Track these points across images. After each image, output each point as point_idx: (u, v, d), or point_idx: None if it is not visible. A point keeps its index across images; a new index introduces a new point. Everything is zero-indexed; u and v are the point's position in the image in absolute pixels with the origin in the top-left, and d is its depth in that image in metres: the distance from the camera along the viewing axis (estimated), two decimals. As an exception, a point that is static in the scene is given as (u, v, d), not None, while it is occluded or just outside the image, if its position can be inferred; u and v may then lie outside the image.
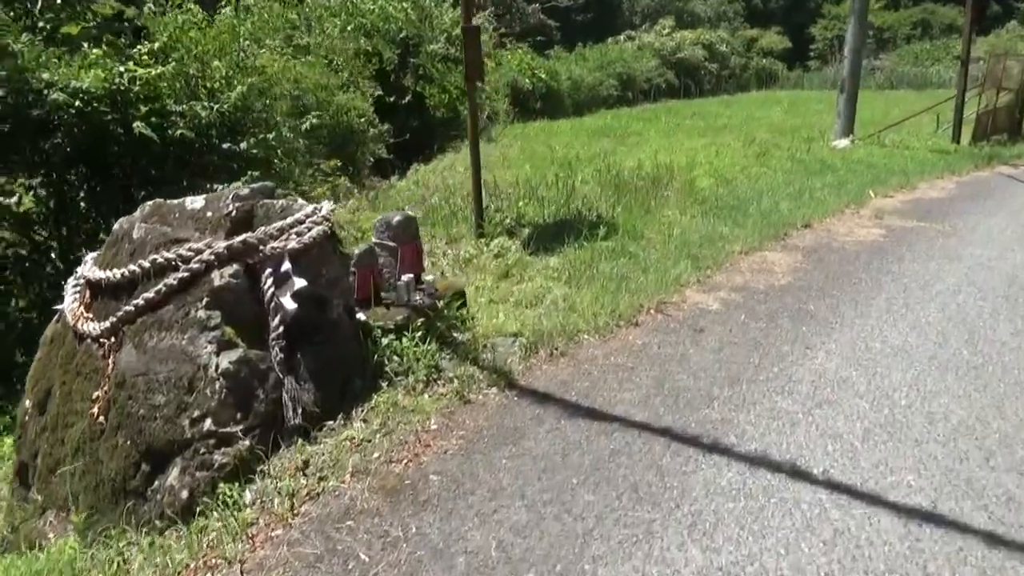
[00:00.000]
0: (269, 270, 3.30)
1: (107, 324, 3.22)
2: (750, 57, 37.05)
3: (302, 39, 11.28)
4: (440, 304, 4.38)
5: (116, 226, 3.57)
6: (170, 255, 3.19)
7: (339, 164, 9.55)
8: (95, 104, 6.10)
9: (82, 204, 6.60)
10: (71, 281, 3.64)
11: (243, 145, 6.97)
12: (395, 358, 3.88)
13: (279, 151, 7.45)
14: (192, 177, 6.69)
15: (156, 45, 6.75)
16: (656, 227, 7.10)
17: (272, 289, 3.28)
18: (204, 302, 3.12)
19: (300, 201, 3.67)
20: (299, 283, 3.33)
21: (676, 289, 5.43)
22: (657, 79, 29.21)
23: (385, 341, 3.89)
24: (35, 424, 3.54)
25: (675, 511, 2.81)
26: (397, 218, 4.55)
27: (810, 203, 8.29)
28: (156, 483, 2.94)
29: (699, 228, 7.12)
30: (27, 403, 3.65)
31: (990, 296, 5.24)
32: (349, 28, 12.70)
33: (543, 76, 21.06)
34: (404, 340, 3.95)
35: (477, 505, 2.89)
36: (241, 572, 2.56)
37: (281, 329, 3.26)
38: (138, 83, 6.30)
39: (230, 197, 3.46)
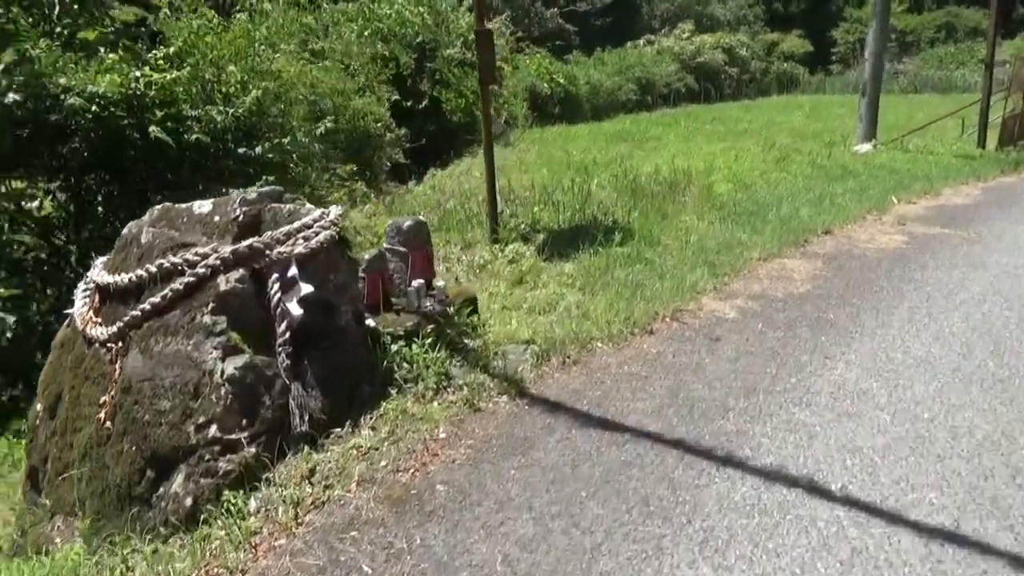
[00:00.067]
0: (276, 275, 3.26)
1: (114, 329, 3.20)
2: (771, 61, 36.80)
3: (316, 44, 11.31)
4: (451, 310, 4.32)
5: (125, 230, 3.56)
6: (176, 260, 3.17)
7: (355, 169, 9.54)
8: (111, 109, 6.13)
9: (99, 208, 6.64)
10: (81, 285, 3.63)
11: (258, 150, 6.97)
12: (405, 365, 3.83)
13: (294, 155, 7.46)
14: (208, 181, 6.70)
15: (172, 50, 6.79)
16: (673, 233, 7.00)
17: (279, 294, 3.24)
18: (210, 307, 3.10)
19: (308, 205, 3.64)
20: (306, 288, 3.29)
21: (692, 296, 5.33)
22: (676, 84, 29.10)
23: (394, 347, 3.84)
24: (45, 428, 3.53)
25: (686, 527, 2.73)
26: (408, 223, 4.51)
27: (831, 209, 8.15)
28: (161, 490, 2.91)
29: (717, 234, 7.02)
30: (38, 407, 3.65)
31: (1016, 305, 5.10)
32: (366, 33, 12.74)
33: (561, 81, 21.03)
34: (414, 347, 3.90)
35: (484, 517, 2.83)
36: (242, 583, 2.52)
37: (287, 335, 3.23)
38: (154, 88, 6.33)
39: (237, 201, 3.44)
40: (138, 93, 6.34)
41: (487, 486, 3.03)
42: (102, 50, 6.62)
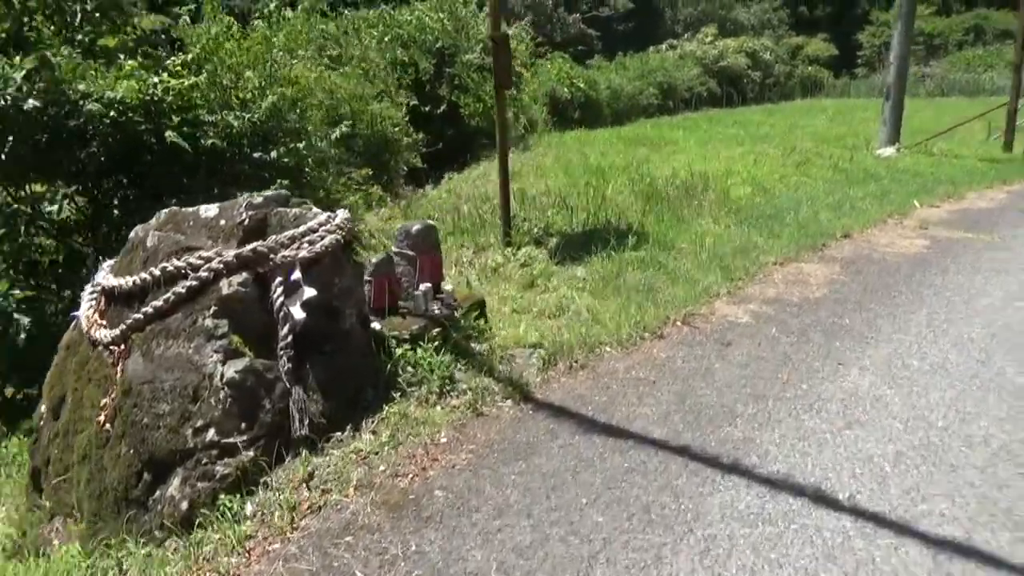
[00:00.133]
0: (279, 279, 3.26)
1: (117, 331, 3.22)
2: (795, 65, 36.41)
3: (333, 50, 11.37)
4: (457, 314, 4.30)
5: (132, 234, 3.58)
6: (180, 263, 3.18)
7: (371, 173, 9.57)
8: (129, 114, 6.18)
9: (116, 212, 6.70)
10: (88, 288, 3.66)
11: (274, 154, 7.00)
12: (409, 368, 3.81)
13: (310, 160, 7.48)
14: (223, 186, 6.73)
15: (190, 56, 6.85)
16: (688, 237, 6.93)
17: (281, 298, 3.24)
18: (212, 310, 3.10)
19: (315, 209, 3.63)
20: (309, 292, 3.28)
21: (705, 301, 5.27)
22: (699, 88, 28.89)
23: (399, 351, 3.82)
24: (49, 429, 3.56)
25: (687, 536, 2.68)
26: (416, 227, 4.49)
27: (851, 213, 8.02)
28: (157, 493, 2.91)
29: (733, 238, 6.93)
30: (42, 408, 3.67)
31: (1040, 312, 4.97)
32: (386, 39, 12.81)
33: (582, 85, 20.96)
34: (419, 350, 3.88)
35: (481, 523, 2.79)
36: (235, 587, 2.51)
37: (290, 338, 3.22)
38: (171, 94, 6.38)
39: (243, 205, 3.44)
40: (156, 99, 6.39)
41: (486, 492, 2.99)
42: (122, 57, 6.70)
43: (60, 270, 6.42)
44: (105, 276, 3.52)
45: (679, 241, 6.79)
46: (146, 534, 2.83)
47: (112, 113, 6.12)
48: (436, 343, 3.97)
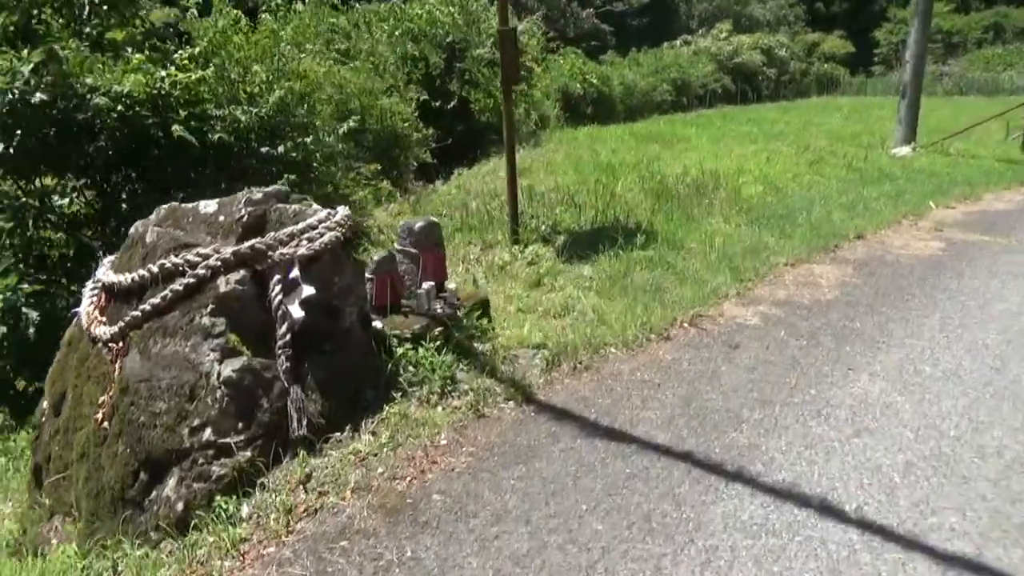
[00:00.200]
0: (277, 277, 3.22)
1: (115, 328, 3.19)
2: (811, 62, 36.01)
3: (341, 44, 11.32)
4: (460, 313, 4.25)
5: (132, 230, 3.55)
6: (178, 260, 3.14)
7: (379, 168, 9.52)
8: (137, 108, 6.17)
9: (124, 206, 6.70)
10: (89, 284, 3.63)
11: (281, 149, 6.98)
12: (410, 368, 3.76)
13: (317, 155, 7.45)
14: (231, 180, 6.70)
15: (197, 50, 6.82)
16: (698, 236, 6.83)
17: (280, 296, 3.20)
18: (209, 308, 3.06)
19: (315, 206, 3.58)
20: (307, 290, 3.24)
21: (713, 302, 5.19)
22: (713, 84, 28.63)
23: (401, 350, 3.78)
24: (50, 426, 3.54)
25: (688, 546, 2.62)
26: (419, 224, 4.44)
27: (864, 213, 7.90)
28: (153, 493, 2.88)
29: (743, 238, 6.83)
30: (44, 404, 3.66)
31: (1057, 317, 4.86)
32: (397, 33, 12.74)
33: (594, 81, 20.79)
34: (421, 350, 3.83)
35: (479, 529, 2.74)
36: (227, 591, 2.47)
37: (288, 337, 3.17)
38: (178, 88, 6.36)
39: (243, 202, 3.40)
40: (163, 93, 6.38)
41: (484, 497, 2.94)
42: (129, 50, 6.67)
43: (69, 264, 6.42)
44: (105, 272, 3.49)
45: (688, 240, 6.71)
46: (142, 535, 2.80)
47: (119, 107, 6.11)
48: (438, 342, 3.92)
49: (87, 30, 6.92)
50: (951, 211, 8.41)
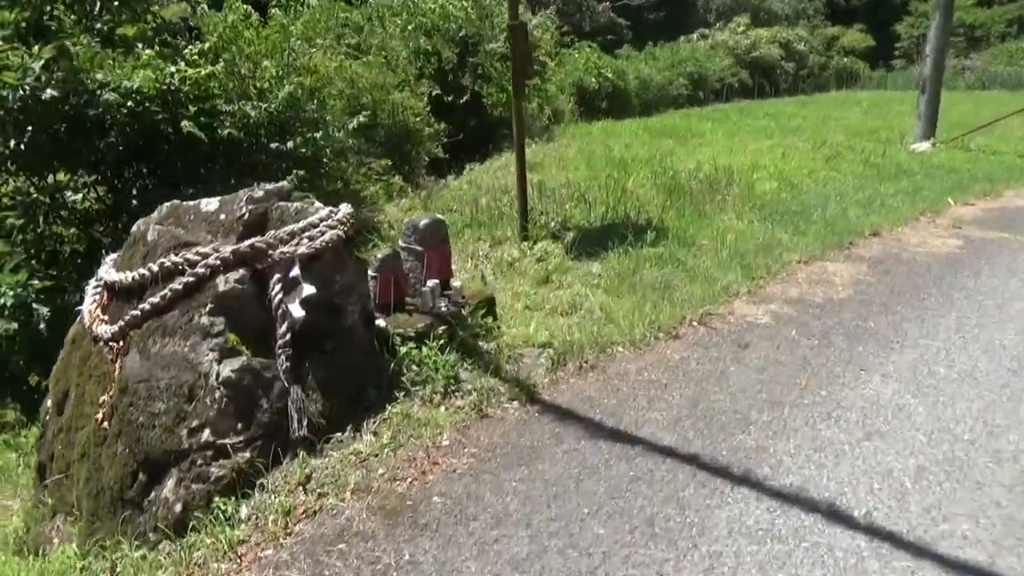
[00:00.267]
0: (277, 275, 3.19)
1: (116, 327, 3.17)
2: (830, 56, 35.57)
3: (353, 39, 11.28)
4: (465, 311, 4.21)
5: (134, 228, 3.54)
6: (177, 259, 3.12)
7: (391, 163, 9.49)
8: (146, 104, 6.17)
9: (134, 201, 6.71)
10: (91, 282, 3.62)
11: (290, 144, 6.96)
12: (414, 367, 3.73)
13: (327, 150, 7.42)
14: (240, 176, 6.70)
15: (207, 45, 6.82)
16: (709, 233, 6.74)
17: (280, 295, 3.17)
18: (208, 308, 3.03)
19: (316, 204, 3.55)
20: (308, 289, 3.21)
21: (724, 300, 5.12)
22: (730, 79, 28.35)
23: (404, 349, 3.74)
24: (54, 424, 3.54)
25: (692, 551, 2.56)
26: (424, 221, 4.40)
27: (881, 210, 7.77)
28: (152, 494, 2.86)
29: (756, 235, 6.74)
30: (48, 403, 3.66)
31: (1077, 317, 4.74)
32: (410, 27, 12.69)
33: (609, 75, 20.63)
34: (424, 349, 3.80)
35: (478, 533, 2.70)
36: (222, 594, 2.45)
37: (288, 336, 3.15)
38: (188, 83, 6.35)
39: (244, 200, 3.37)
40: (173, 88, 6.37)
41: (485, 499, 2.90)
42: (140, 46, 6.68)
43: (80, 260, 6.44)
44: (107, 270, 3.48)
45: (700, 237, 6.62)
46: (141, 536, 2.79)
47: (129, 103, 6.12)
48: (442, 341, 3.89)
49: (98, 26, 6.93)
50: (970, 208, 8.26)
